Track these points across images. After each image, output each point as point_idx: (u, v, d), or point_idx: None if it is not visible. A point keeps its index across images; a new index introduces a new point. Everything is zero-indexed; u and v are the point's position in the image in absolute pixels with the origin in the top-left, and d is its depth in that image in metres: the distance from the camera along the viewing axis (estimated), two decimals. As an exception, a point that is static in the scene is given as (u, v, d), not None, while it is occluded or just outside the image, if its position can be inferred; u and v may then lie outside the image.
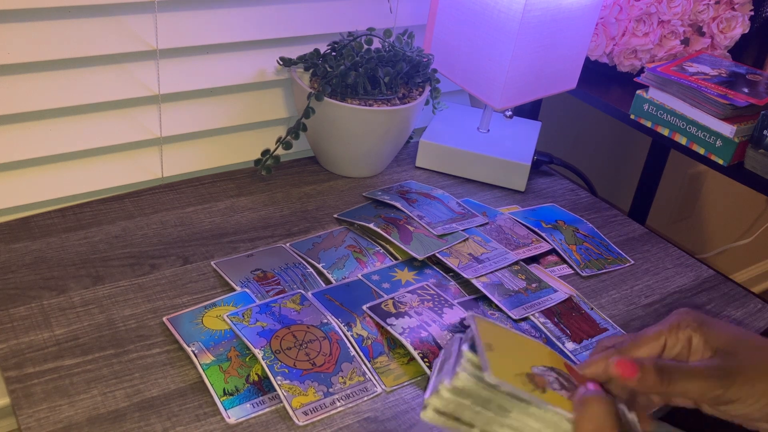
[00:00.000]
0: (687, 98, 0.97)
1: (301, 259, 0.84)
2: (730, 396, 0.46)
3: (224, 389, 0.66)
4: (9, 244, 0.81)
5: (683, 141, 1.00)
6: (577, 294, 0.85)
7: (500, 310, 0.80)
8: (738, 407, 0.47)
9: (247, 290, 0.78)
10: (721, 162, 0.96)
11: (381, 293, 0.80)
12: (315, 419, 0.65)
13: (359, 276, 0.82)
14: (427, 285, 0.82)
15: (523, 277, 0.86)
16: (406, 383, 0.70)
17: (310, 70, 0.98)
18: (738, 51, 1.16)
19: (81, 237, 0.84)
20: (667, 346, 0.52)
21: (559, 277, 0.88)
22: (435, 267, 0.86)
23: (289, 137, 0.96)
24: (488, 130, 1.10)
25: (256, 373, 0.68)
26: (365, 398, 0.68)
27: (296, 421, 0.64)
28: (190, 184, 0.96)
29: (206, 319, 0.73)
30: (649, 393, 0.48)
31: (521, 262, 0.88)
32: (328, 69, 0.95)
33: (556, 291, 0.84)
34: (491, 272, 0.85)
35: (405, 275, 0.83)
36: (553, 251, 0.92)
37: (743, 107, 0.93)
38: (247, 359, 0.69)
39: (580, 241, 0.95)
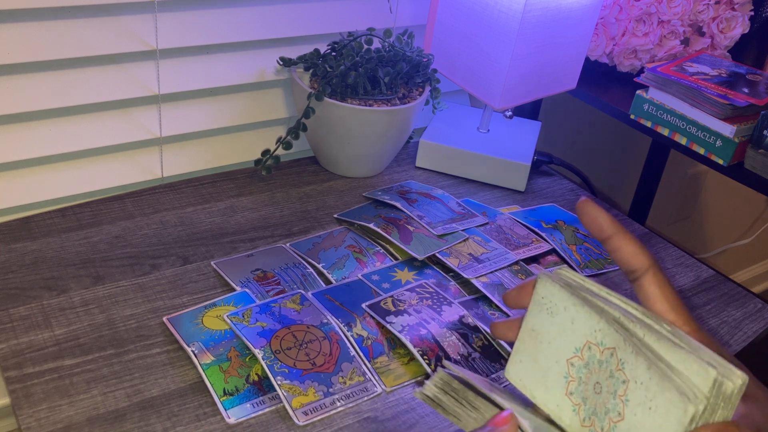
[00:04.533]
0: (687, 98, 0.97)
1: (301, 259, 0.84)
2: None
3: (224, 389, 0.66)
4: (9, 244, 0.81)
5: (683, 141, 1.00)
6: (577, 294, 0.85)
7: (500, 310, 0.80)
8: None
9: (247, 290, 0.78)
10: (721, 162, 0.96)
11: (381, 293, 0.80)
12: (315, 419, 0.65)
13: (359, 276, 0.82)
14: (425, 283, 0.82)
15: (523, 277, 0.86)
16: (406, 383, 0.70)
17: (310, 70, 0.98)
18: (738, 51, 1.16)
19: (81, 237, 0.84)
20: None
21: (559, 277, 0.88)
22: (435, 267, 0.86)
23: (289, 137, 0.96)
24: (488, 130, 1.10)
25: (256, 373, 0.68)
26: (365, 398, 0.68)
27: (296, 421, 0.64)
28: (190, 184, 0.96)
29: (206, 319, 0.73)
30: None
31: (521, 262, 0.88)
32: (328, 69, 0.95)
33: (556, 291, 0.84)
34: (491, 272, 0.85)
35: (405, 275, 0.83)
36: (553, 251, 0.92)
37: (743, 107, 0.93)
38: (247, 359, 0.69)
39: (580, 241, 0.95)
